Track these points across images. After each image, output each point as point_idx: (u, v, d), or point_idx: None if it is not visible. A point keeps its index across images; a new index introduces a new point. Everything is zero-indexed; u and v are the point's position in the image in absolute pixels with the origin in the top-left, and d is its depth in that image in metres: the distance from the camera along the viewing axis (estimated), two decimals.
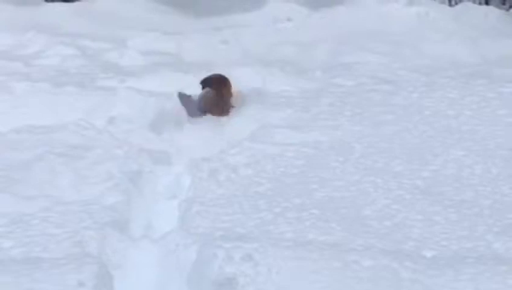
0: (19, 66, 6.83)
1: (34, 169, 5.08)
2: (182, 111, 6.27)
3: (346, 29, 8.42)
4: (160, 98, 6.35)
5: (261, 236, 4.24)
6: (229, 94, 6.38)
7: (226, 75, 6.46)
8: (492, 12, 9.30)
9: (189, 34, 7.98)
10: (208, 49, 7.79)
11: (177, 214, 4.73)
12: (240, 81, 7.00)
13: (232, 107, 6.35)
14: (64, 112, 6.00)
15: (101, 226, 4.38)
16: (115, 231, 4.41)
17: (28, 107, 6.10)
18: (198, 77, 6.51)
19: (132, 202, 4.82)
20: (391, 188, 4.82)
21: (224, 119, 6.28)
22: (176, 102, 6.31)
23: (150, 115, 6.08)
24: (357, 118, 6.04)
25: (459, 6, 9.55)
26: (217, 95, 6.28)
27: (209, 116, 6.30)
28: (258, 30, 8.30)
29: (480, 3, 10.18)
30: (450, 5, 10.04)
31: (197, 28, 8.24)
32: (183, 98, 6.27)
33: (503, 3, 10.41)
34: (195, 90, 6.33)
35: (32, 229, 4.36)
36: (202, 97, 6.27)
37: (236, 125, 6.05)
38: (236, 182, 5.00)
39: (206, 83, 6.35)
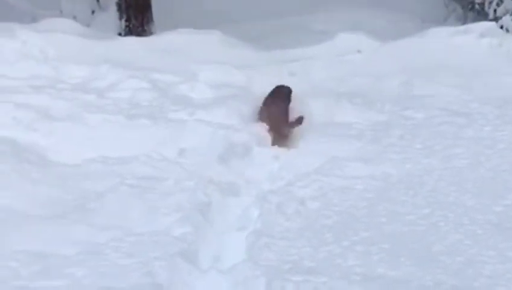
0: (93, 98, 7.01)
1: (106, 200, 5.19)
2: (251, 142, 6.34)
3: (417, 61, 8.33)
4: (229, 130, 6.41)
5: (330, 270, 4.21)
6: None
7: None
8: None
9: (259, 67, 8.04)
10: (277, 81, 7.83)
11: (245, 246, 4.74)
12: (308, 113, 7.01)
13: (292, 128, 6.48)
14: (136, 144, 6.12)
15: (170, 257, 4.43)
16: (184, 262, 4.44)
17: (101, 138, 6.25)
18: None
19: (201, 233, 4.86)
20: (463, 223, 4.72)
21: (292, 151, 6.30)
22: (244, 134, 6.39)
23: (219, 147, 6.14)
24: (428, 151, 5.96)
25: None
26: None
27: (277, 148, 6.35)
28: (326, 62, 8.29)
29: None
30: None
31: (266, 61, 8.30)
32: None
33: None
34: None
35: (104, 258, 4.44)
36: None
37: (304, 157, 6.04)
38: (304, 214, 4.99)
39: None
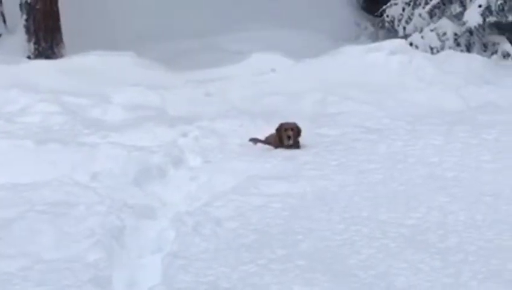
0: (1, 123, 6.81)
1: (15, 227, 5.01)
2: (167, 164, 6.27)
3: (330, 79, 8.47)
4: (143, 152, 6.32)
5: (246, 289, 4.17)
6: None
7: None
8: (475, 59, 9.38)
9: (173, 87, 8.00)
10: (192, 102, 7.81)
11: (160, 269, 4.65)
12: (224, 133, 7.00)
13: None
14: (47, 169, 5.96)
15: (83, 284, 4.31)
16: (97, 289, 4.32)
17: (10, 164, 6.06)
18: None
19: (115, 258, 4.74)
20: (376, 237, 4.77)
21: (209, 171, 6.27)
22: (160, 156, 6.31)
23: (134, 169, 6.04)
24: (342, 167, 6.02)
25: (442, 54, 9.64)
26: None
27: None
28: (242, 82, 8.33)
29: (462, 51, 10.28)
30: (432, 53, 10.13)
31: (181, 82, 8.27)
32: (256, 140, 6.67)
33: (485, 51, 10.52)
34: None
35: (13, 288, 4.27)
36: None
37: (221, 177, 6.01)
38: (221, 235, 4.94)
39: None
